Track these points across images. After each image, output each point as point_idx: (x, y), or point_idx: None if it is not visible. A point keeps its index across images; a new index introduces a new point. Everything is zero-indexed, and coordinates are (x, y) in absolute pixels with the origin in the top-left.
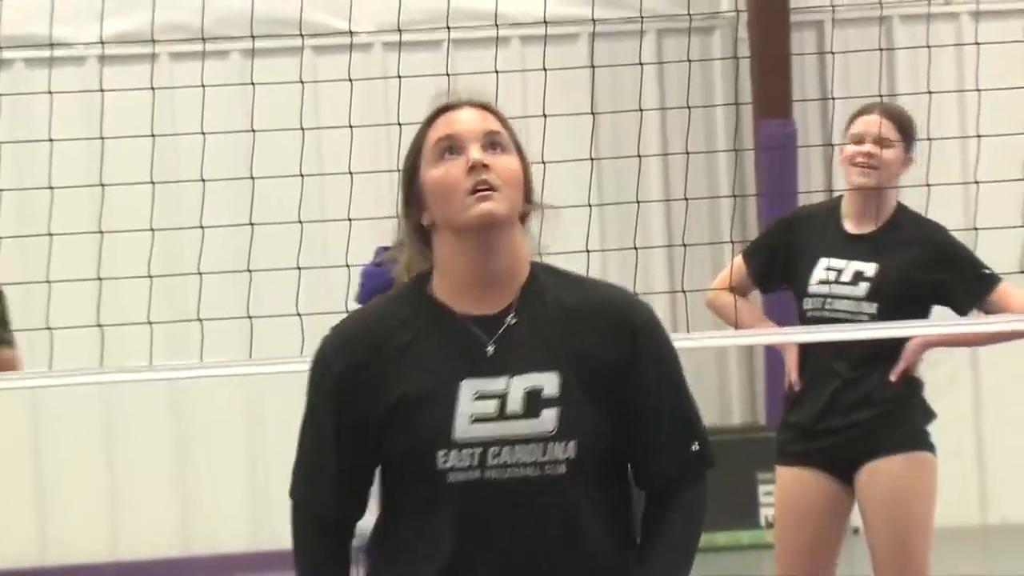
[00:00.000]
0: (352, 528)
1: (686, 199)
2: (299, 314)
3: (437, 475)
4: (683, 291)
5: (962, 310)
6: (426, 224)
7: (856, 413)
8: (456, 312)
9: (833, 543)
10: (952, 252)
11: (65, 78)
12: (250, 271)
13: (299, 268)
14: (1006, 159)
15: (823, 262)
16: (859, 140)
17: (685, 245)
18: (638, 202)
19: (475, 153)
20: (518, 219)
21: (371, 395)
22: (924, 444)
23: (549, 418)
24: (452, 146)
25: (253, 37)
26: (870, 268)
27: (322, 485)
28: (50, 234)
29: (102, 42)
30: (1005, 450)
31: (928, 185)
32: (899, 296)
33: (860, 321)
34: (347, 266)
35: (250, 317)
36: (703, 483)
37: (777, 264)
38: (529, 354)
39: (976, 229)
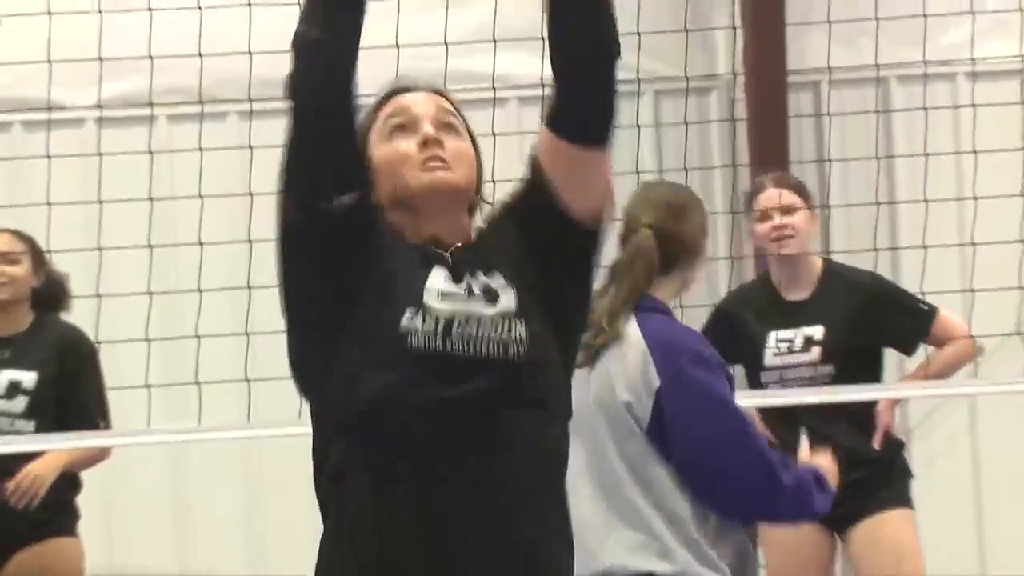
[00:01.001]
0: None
1: None
2: None
3: (399, 336)
4: None
5: (909, 350)
6: (374, 203)
7: (846, 474)
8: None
9: None
10: (887, 296)
11: (63, 141)
12: (248, 334)
13: None
14: (1002, 221)
15: (772, 335)
16: (766, 216)
17: (683, 307)
18: None
19: (428, 128)
20: (468, 204)
21: (364, 246)
22: (908, 502)
23: (509, 298)
24: (404, 123)
25: (251, 100)
26: (817, 331)
27: None
28: None
29: (100, 105)
30: (1004, 515)
31: (924, 247)
32: (850, 351)
33: (822, 384)
34: None
35: (248, 380)
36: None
37: (727, 353)
38: (480, 262)
39: (972, 291)
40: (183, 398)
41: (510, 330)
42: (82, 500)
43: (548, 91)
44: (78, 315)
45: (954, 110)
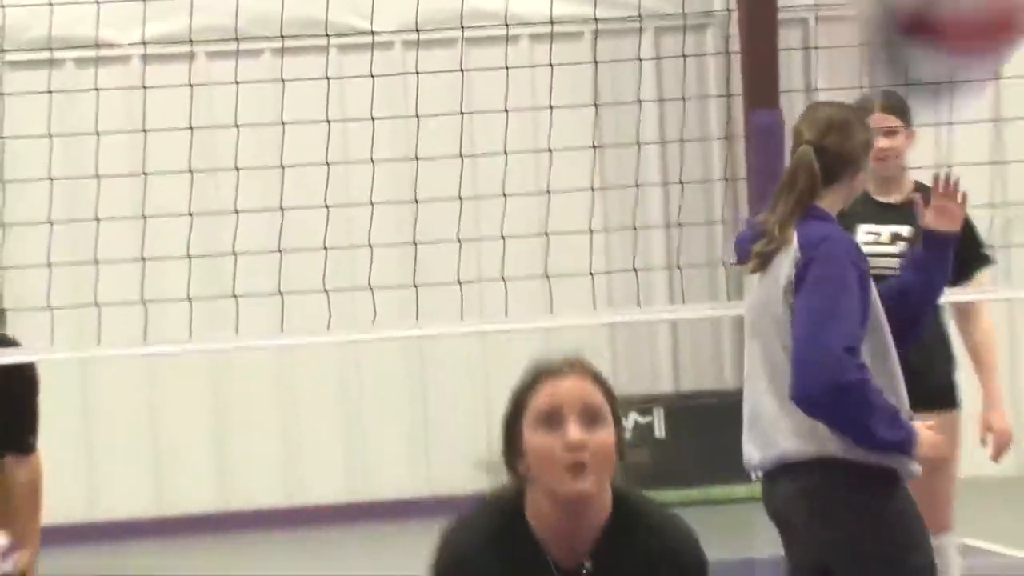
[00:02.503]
0: None
1: (682, 182)
2: (325, 291)
3: None
4: (679, 267)
5: (962, 278)
6: (522, 471)
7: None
8: (544, 553)
9: None
10: (967, 223)
11: (110, 77)
12: (280, 251)
13: (326, 248)
14: (975, 145)
15: (861, 228)
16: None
17: (681, 224)
18: (637, 186)
19: (573, 432)
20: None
21: None
22: (955, 402)
23: None
24: (553, 416)
25: (283, 37)
26: (905, 230)
27: None
28: (97, 219)
29: (144, 43)
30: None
31: (904, 168)
32: None
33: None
34: (369, 246)
35: (281, 293)
36: None
37: None
38: None
39: None
40: (222, 311)
41: None
42: (130, 405)
43: (557, 28)
44: (125, 235)
45: None
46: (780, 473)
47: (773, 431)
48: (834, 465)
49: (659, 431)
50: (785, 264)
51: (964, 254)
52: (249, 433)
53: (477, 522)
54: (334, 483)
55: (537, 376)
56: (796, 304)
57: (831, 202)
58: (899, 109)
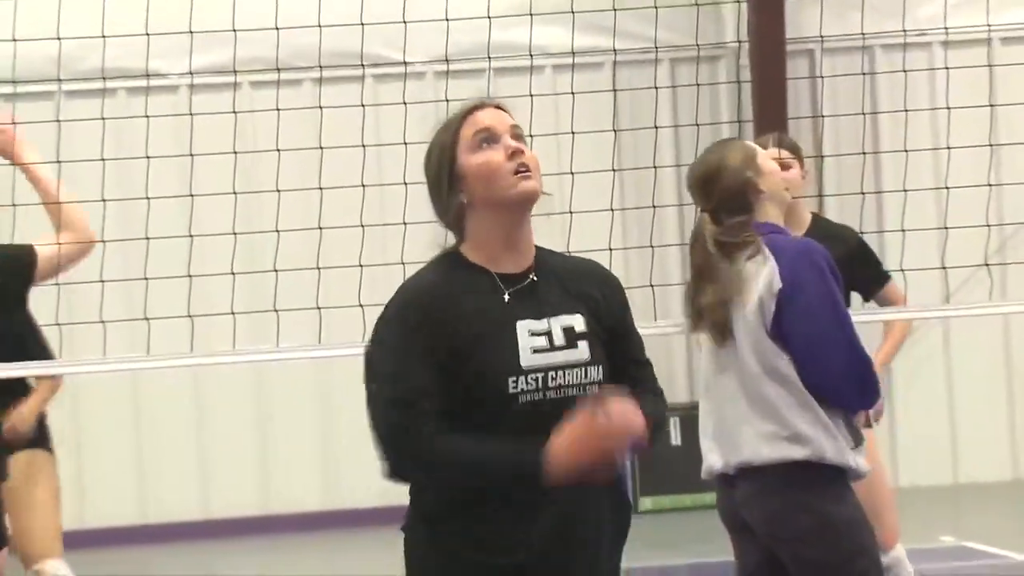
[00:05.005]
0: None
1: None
2: (361, 305)
3: (508, 398)
4: None
5: (868, 296)
6: (464, 202)
7: None
8: (492, 271)
9: None
10: (863, 249)
11: (160, 104)
12: (319, 268)
13: (361, 266)
14: (972, 168)
15: None
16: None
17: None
18: (654, 207)
19: (511, 141)
20: None
21: (444, 336)
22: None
23: (584, 348)
24: (488, 137)
25: (321, 67)
26: None
27: (421, 402)
28: (147, 238)
29: (191, 73)
30: (974, 426)
31: (905, 191)
32: None
33: None
34: (403, 264)
35: (319, 308)
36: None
37: None
38: (556, 301)
39: (947, 228)
40: (264, 324)
41: (586, 375)
42: (178, 414)
43: (578, 59)
44: (173, 253)
45: (930, 73)
46: (738, 477)
47: (737, 436)
48: (792, 467)
49: (675, 439)
50: (760, 274)
51: (865, 275)
52: (290, 439)
53: (419, 274)
54: (370, 487)
55: (461, 114)
56: (798, 319)
57: (771, 217)
58: (792, 147)
